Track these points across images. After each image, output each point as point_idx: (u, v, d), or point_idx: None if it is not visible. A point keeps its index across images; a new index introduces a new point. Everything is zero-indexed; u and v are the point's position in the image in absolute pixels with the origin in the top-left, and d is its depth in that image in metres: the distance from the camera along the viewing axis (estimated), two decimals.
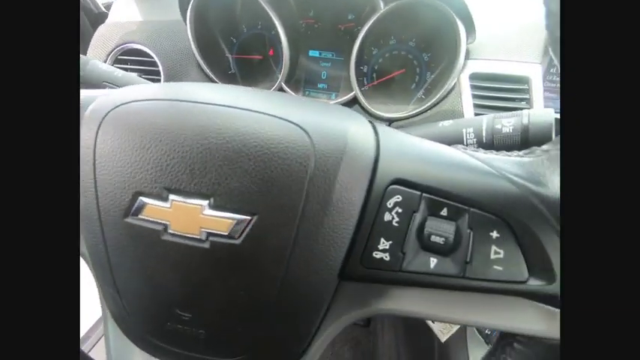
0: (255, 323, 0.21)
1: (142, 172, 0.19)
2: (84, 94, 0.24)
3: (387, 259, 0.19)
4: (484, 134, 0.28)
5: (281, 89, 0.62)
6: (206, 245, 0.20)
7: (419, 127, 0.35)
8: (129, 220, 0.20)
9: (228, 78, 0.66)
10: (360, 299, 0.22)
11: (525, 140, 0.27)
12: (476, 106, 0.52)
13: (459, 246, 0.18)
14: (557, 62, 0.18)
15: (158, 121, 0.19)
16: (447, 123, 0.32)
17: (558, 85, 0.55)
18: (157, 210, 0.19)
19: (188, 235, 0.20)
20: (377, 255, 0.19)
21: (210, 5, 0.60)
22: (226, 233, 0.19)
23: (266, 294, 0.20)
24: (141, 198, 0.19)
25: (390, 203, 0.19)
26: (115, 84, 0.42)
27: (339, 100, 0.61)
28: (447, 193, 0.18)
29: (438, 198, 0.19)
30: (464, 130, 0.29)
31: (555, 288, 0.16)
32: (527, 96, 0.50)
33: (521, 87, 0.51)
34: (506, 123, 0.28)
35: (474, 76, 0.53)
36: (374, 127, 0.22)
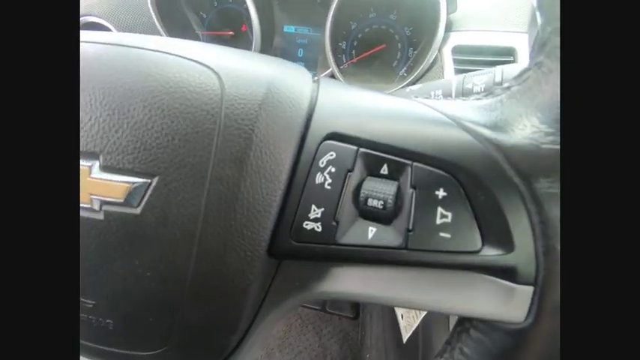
0: (169, 310, 0.18)
1: None
2: None
3: (319, 229, 0.16)
4: (453, 95, 0.25)
5: None
6: (99, 216, 0.16)
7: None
8: None
9: None
10: (299, 282, 0.19)
11: None
12: None
13: (400, 211, 0.14)
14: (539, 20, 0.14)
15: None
16: (415, 87, 0.28)
17: None
18: None
19: None
20: (308, 225, 0.16)
21: None
22: (122, 200, 0.16)
23: (177, 275, 0.17)
24: None
25: (322, 162, 0.16)
26: None
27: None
28: (387, 147, 0.15)
29: (377, 153, 0.15)
30: (432, 93, 0.26)
31: (514, 258, 0.13)
32: None
33: (506, 59, 0.47)
34: (478, 81, 0.24)
35: (456, 49, 0.50)
36: (315, 80, 0.19)
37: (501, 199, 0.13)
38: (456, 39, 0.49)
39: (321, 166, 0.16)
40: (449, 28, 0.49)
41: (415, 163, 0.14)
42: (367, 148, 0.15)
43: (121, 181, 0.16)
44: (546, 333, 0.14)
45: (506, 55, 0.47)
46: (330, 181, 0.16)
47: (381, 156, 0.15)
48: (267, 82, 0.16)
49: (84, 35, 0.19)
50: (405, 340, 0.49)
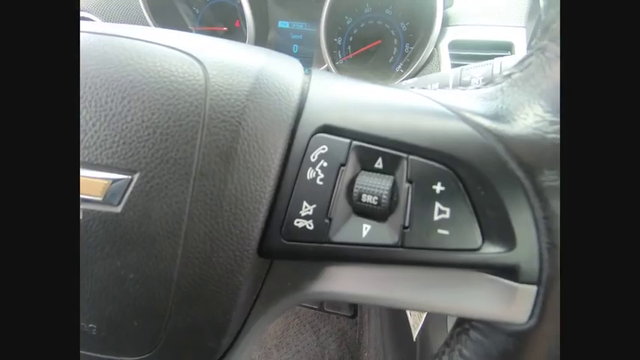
0: (155, 314, 0.17)
1: None
2: None
3: (311, 227, 0.15)
4: (451, 88, 0.24)
5: None
6: None
7: None
8: None
9: None
10: (292, 282, 0.18)
11: None
12: None
13: (396, 207, 0.14)
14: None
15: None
16: (411, 80, 0.27)
17: None
18: None
19: None
20: (299, 223, 0.15)
21: None
22: (100, 198, 0.15)
23: (162, 277, 0.16)
24: None
25: (314, 156, 0.15)
26: None
27: None
28: (382, 139, 0.14)
29: (371, 146, 0.14)
30: (429, 86, 0.25)
31: (516, 255, 0.12)
32: None
33: (503, 53, 0.46)
34: (476, 73, 0.23)
35: (453, 44, 0.49)
36: (307, 72, 0.18)
37: (503, 193, 0.12)
38: (452, 34, 0.49)
39: (313, 160, 0.15)
40: (445, 22, 0.49)
41: (411, 156, 0.13)
42: (360, 140, 0.14)
43: (99, 178, 0.15)
44: (550, 335, 0.13)
45: (503, 49, 0.47)
46: (322, 176, 0.15)
47: (375, 149, 0.14)
48: (256, 72, 0.15)
49: None
50: (415, 337, 0.48)
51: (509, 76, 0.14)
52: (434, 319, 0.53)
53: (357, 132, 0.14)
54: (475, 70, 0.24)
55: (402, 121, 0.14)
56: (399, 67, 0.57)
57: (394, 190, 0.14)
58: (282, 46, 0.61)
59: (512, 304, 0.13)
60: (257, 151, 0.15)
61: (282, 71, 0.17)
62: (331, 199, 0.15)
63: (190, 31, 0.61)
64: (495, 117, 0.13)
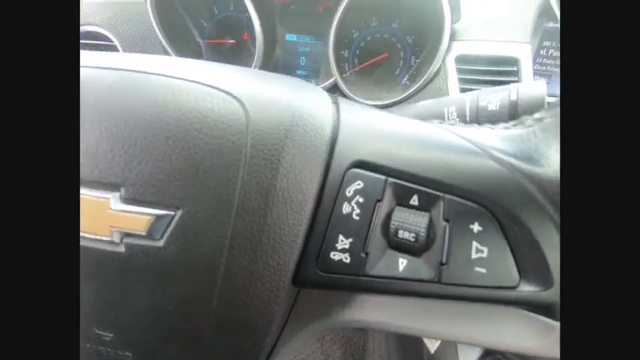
0: (192, 342, 0.17)
1: None
2: None
3: (347, 260, 0.15)
4: (468, 113, 0.25)
5: None
6: (120, 249, 0.16)
7: (395, 109, 0.31)
8: None
9: None
10: (322, 309, 0.18)
11: (514, 118, 0.24)
12: (462, 90, 0.49)
13: (432, 243, 0.14)
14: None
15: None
16: (427, 102, 0.28)
17: (549, 67, 0.52)
18: None
19: (97, 238, 0.16)
20: (335, 256, 0.16)
21: None
22: (144, 233, 0.15)
23: (201, 308, 0.16)
24: None
25: (349, 191, 0.16)
26: None
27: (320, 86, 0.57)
28: (417, 177, 0.15)
29: (407, 183, 0.15)
30: (445, 109, 0.26)
31: (553, 294, 0.13)
32: (515, 78, 0.47)
33: (509, 69, 0.47)
34: (492, 99, 0.24)
35: (460, 59, 0.50)
36: (334, 101, 0.18)
37: (539, 233, 0.13)
38: (459, 48, 0.50)
39: (348, 195, 0.16)
40: (452, 37, 0.49)
41: (448, 196, 0.14)
42: (396, 178, 0.15)
43: (143, 213, 0.15)
44: None
45: (509, 64, 0.48)
46: (358, 211, 0.15)
47: (411, 187, 0.15)
48: (291, 109, 0.16)
49: (97, 59, 0.18)
50: (432, 351, 0.49)
51: (540, 120, 0.14)
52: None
53: (392, 169, 0.15)
54: (492, 96, 0.24)
55: (437, 159, 0.15)
56: (405, 79, 0.58)
57: (431, 227, 0.14)
58: (289, 58, 0.62)
59: (549, 340, 0.13)
60: (295, 187, 0.15)
61: (315, 106, 0.17)
62: (368, 233, 0.15)
63: (199, 43, 0.61)
64: (529, 159, 0.13)
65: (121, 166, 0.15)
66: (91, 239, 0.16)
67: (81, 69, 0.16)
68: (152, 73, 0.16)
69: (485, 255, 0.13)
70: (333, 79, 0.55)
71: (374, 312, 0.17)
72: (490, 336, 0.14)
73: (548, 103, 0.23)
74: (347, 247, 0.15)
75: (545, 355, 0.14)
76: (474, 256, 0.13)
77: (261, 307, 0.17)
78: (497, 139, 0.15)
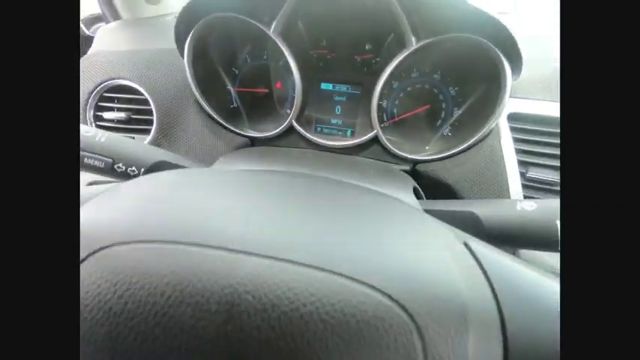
0: None
1: None
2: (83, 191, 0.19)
3: None
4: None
5: (291, 128, 0.55)
6: None
7: (485, 203, 0.28)
8: None
9: (230, 113, 0.59)
10: None
11: None
12: (518, 151, 0.47)
13: None
14: None
15: (146, 291, 0.12)
16: (528, 206, 0.25)
17: None
18: None
19: None
20: None
21: (211, 35, 0.53)
22: None
23: None
24: None
25: None
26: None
27: (357, 139, 0.54)
28: None
29: None
30: (559, 224, 0.23)
31: None
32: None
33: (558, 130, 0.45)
34: None
35: (512, 117, 0.48)
36: (478, 262, 0.15)
37: None
38: (512, 106, 0.47)
39: None
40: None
41: None
42: None
43: None
44: None
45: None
46: None
47: None
48: (462, 302, 0.13)
49: (215, 232, 0.14)
50: None
51: None
52: None
53: None
54: None
55: None
56: (447, 130, 0.56)
57: None
58: (325, 106, 0.59)
59: None
60: None
61: (478, 288, 0.14)
62: None
63: (229, 91, 0.59)
64: None
65: None
66: None
67: (181, 248, 0.13)
68: (275, 259, 0.13)
69: None
70: (373, 132, 0.52)
71: None
72: None
73: None
74: None
75: None
76: None
77: None
78: None
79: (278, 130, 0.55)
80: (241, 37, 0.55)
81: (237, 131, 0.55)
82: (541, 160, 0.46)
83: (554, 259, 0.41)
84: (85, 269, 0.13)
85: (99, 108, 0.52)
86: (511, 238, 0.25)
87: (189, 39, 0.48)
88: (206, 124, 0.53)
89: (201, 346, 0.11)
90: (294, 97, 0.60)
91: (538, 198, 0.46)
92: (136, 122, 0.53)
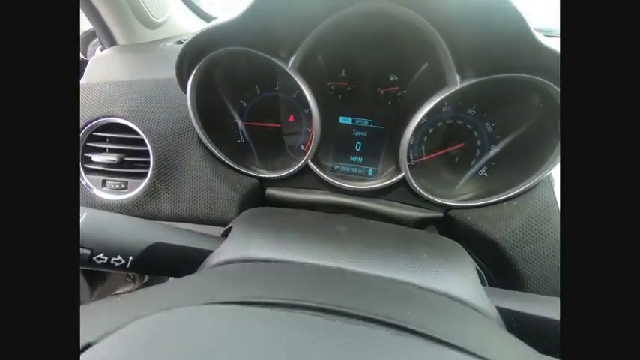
0: None
1: None
2: None
3: None
4: None
5: (306, 167, 0.48)
6: None
7: None
8: None
9: (236, 150, 0.52)
10: None
11: None
12: None
13: None
14: None
15: None
16: None
17: None
18: None
19: None
20: None
21: (218, 66, 0.47)
22: None
23: None
24: None
25: None
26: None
27: (381, 182, 0.48)
28: None
29: None
30: None
31: None
32: None
33: None
34: None
35: None
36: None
37: None
38: None
39: None
40: None
41: None
42: None
43: None
44: None
45: None
46: None
47: None
48: None
49: None
50: None
51: None
52: None
53: None
54: None
55: None
56: (483, 171, 0.49)
57: None
58: (343, 143, 0.53)
59: None
60: None
61: None
62: None
63: (237, 124, 0.53)
64: None
65: None
66: None
67: None
68: None
69: None
70: (402, 175, 0.46)
71: None
72: None
73: None
74: None
75: None
76: None
77: None
78: None
79: (292, 170, 0.48)
80: (251, 69, 0.49)
81: (245, 171, 0.49)
82: None
83: None
84: None
85: (87, 149, 0.46)
86: None
87: (192, 75, 0.42)
88: (210, 165, 0.46)
89: None
90: (308, 132, 0.54)
91: None
92: (129, 165, 0.46)
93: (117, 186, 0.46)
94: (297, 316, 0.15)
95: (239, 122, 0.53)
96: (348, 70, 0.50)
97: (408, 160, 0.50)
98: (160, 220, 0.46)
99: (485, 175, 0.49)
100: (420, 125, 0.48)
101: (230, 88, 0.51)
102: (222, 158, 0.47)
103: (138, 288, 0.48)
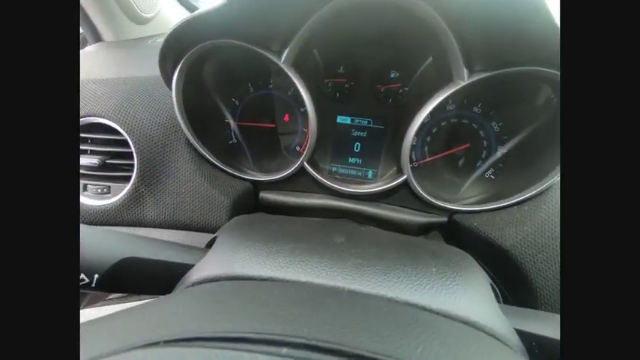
0: None
1: None
2: None
3: None
4: None
5: (302, 169, 0.45)
6: None
7: None
8: None
9: (228, 152, 0.50)
10: None
11: None
12: None
13: None
14: None
15: None
16: None
17: None
18: None
19: None
20: None
21: (206, 61, 0.44)
22: None
23: None
24: None
25: None
26: None
27: (382, 184, 0.45)
28: None
29: None
30: None
31: None
32: None
33: None
34: None
35: None
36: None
37: None
38: None
39: None
40: None
41: None
42: None
43: None
44: None
45: None
46: None
47: None
48: None
49: None
50: None
51: None
52: None
53: None
54: None
55: None
56: (489, 172, 0.47)
57: None
58: (341, 143, 0.50)
59: None
60: None
61: None
62: None
63: (229, 124, 0.50)
64: None
65: None
66: None
67: None
68: None
69: None
70: (404, 177, 0.43)
71: None
72: None
73: None
74: None
75: None
76: None
77: None
78: None
79: (287, 172, 0.45)
80: (243, 64, 0.46)
81: (237, 174, 0.46)
82: None
83: None
84: None
85: None
86: None
87: (178, 70, 0.39)
88: (199, 168, 0.43)
89: None
90: (304, 132, 0.51)
91: None
92: (112, 168, 0.43)
93: (99, 190, 0.43)
94: None
95: (231, 122, 0.50)
96: (347, 66, 0.47)
97: (410, 161, 0.47)
98: (145, 227, 0.43)
99: (492, 177, 0.47)
100: (422, 125, 0.46)
101: (221, 85, 0.48)
102: (212, 160, 0.44)
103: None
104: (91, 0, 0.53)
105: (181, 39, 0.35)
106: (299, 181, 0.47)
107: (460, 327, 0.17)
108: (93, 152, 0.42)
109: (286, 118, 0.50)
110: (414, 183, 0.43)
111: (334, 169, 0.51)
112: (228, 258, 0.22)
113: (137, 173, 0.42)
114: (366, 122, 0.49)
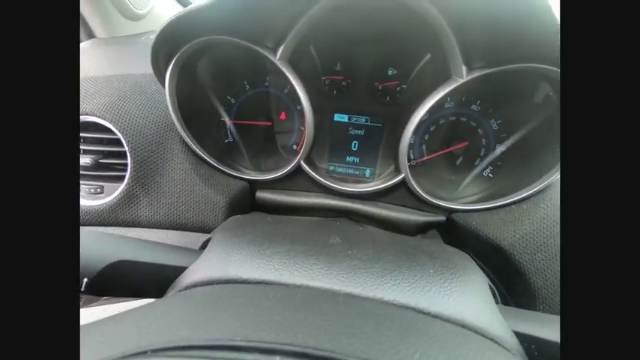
0: None
1: None
2: None
3: None
4: None
5: (299, 168, 0.45)
6: None
7: None
8: None
9: (223, 151, 0.49)
10: None
11: None
12: None
13: None
14: None
15: None
16: None
17: None
18: None
19: None
20: None
21: (200, 58, 0.43)
22: None
23: None
24: None
25: None
26: None
27: (380, 183, 0.44)
28: None
29: None
30: None
31: None
32: None
33: None
34: None
35: None
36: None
37: None
38: None
39: None
40: None
41: None
42: None
43: None
44: None
45: None
46: None
47: None
48: None
49: None
50: None
51: None
52: None
53: None
54: None
55: None
56: (488, 171, 0.46)
57: None
58: (338, 142, 0.49)
59: None
60: None
61: None
62: None
63: (224, 123, 0.49)
64: None
65: None
66: None
67: None
68: None
69: None
70: (402, 176, 0.42)
71: None
72: None
73: None
74: None
75: None
76: None
77: None
78: None
79: (284, 171, 0.45)
80: (238, 61, 0.45)
81: (233, 173, 0.45)
82: None
83: None
84: None
85: None
86: None
87: (171, 67, 0.38)
88: (194, 167, 0.43)
89: None
90: (301, 130, 0.50)
91: None
92: (105, 168, 0.42)
93: (92, 190, 0.42)
94: None
95: (227, 120, 0.49)
96: (344, 63, 0.46)
97: (409, 159, 0.47)
98: (139, 228, 0.43)
99: (491, 175, 0.46)
100: (421, 123, 0.45)
101: (216, 83, 0.47)
102: (208, 159, 0.43)
103: None
104: None
105: (174, 35, 0.34)
106: (296, 180, 0.47)
107: (458, 331, 0.17)
108: (86, 151, 0.41)
109: (283, 116, 0.49)
110: (412, 182, 0.43)
111: (331, 167, 0.50)
112: (222, 260, 0.22)
113: (131, 173, 0.41)
114: (363, 120, 0.48)
